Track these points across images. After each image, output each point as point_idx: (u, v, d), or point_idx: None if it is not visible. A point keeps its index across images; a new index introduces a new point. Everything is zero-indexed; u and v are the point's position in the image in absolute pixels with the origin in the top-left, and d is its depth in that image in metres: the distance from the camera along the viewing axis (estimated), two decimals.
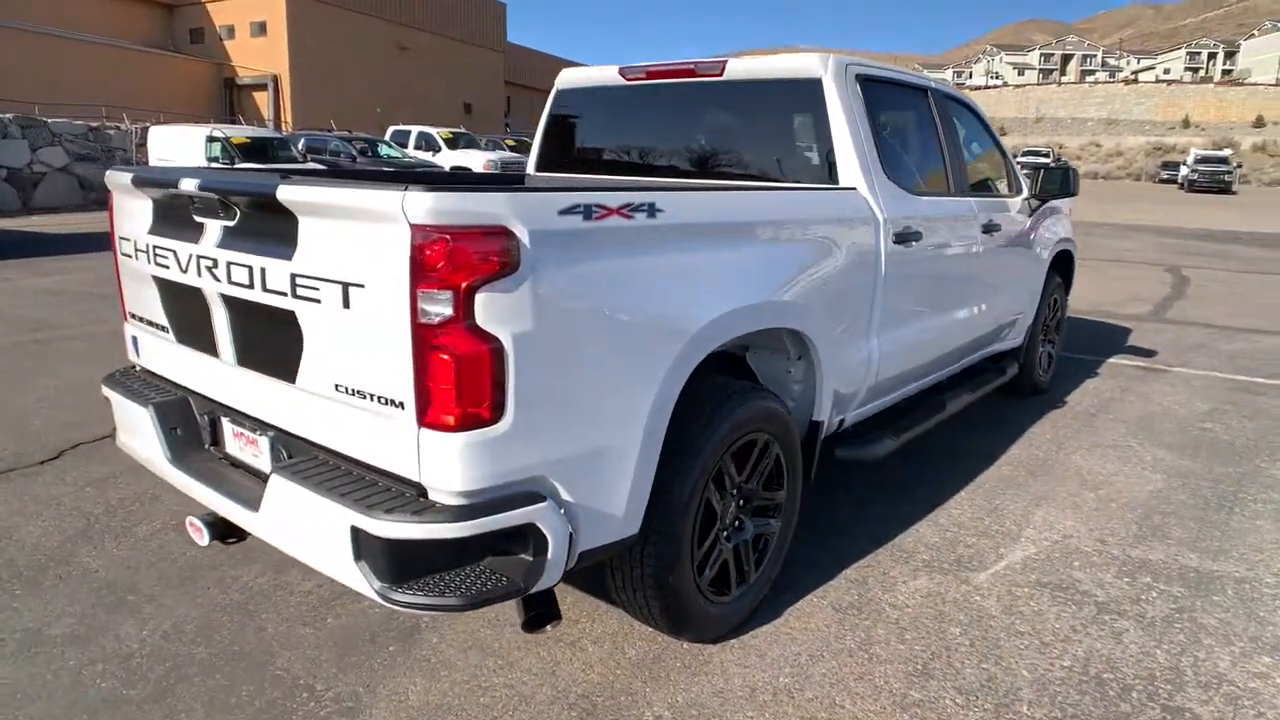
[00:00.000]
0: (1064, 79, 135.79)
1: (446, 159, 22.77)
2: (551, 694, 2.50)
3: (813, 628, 2.87)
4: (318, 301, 2.02)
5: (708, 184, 3.36)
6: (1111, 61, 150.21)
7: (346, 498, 1.98)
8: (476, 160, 22.10)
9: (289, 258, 2.07)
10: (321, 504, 2.03)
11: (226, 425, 2.58)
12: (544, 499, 2.02)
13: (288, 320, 2.13)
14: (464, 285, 1.81)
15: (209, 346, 2.49)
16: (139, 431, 2.73)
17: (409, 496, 1.99)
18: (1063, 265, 5.75)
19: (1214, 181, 40.45)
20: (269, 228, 2.13)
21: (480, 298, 1.84)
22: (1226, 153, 44.62)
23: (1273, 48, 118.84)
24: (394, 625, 2.83)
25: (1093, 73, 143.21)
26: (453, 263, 1.79)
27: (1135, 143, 74.06)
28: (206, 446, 2.67)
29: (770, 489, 2.87)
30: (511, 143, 26.79)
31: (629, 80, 3.86)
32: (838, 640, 2.80)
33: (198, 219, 2.35)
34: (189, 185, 2.30)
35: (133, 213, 2.67)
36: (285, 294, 2.09)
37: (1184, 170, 43.36)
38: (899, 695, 2.53)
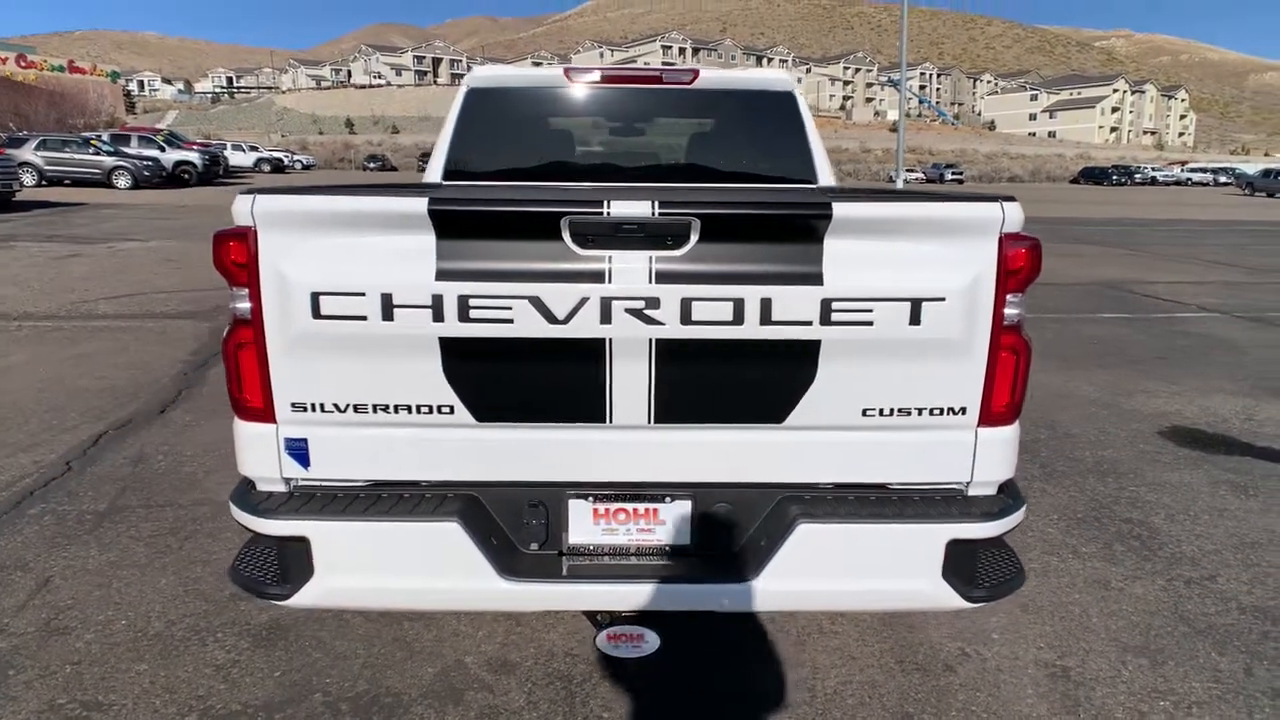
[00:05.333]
0: (439, 81, 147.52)
1: None
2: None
3: None
4: (867, 324, 1.86)
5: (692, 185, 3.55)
6: (475, 67, 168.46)
7: (928, 517, 1.93)
8: None
9: (817, 282, 1.84)
10: (898, 532, 1.92)
11: (579, 510, 2.02)
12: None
13: (798, 353, 1.88)
14: (1027, 286, 1.96)
15: (583, 413, 1.92)
16: (427, 560, 1.91)
17: (959, 499, 2.03)
18: None
19: None
20: (766, 250, 1.85)
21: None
22: None
23: (593, 62, 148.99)
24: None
25: (461, 75, 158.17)
26: (1026, 267, 1.92)
27: None
28: (530, 548, 2.03)
29: None
30: None
31: (577, 83, 3.70)
32: None
33: (586, 251, 1.82)
34: (632, 209, 1.78)
35: (371, 255, 1.82)
36: (809, 323, 1.85)
37: None
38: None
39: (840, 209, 1.80)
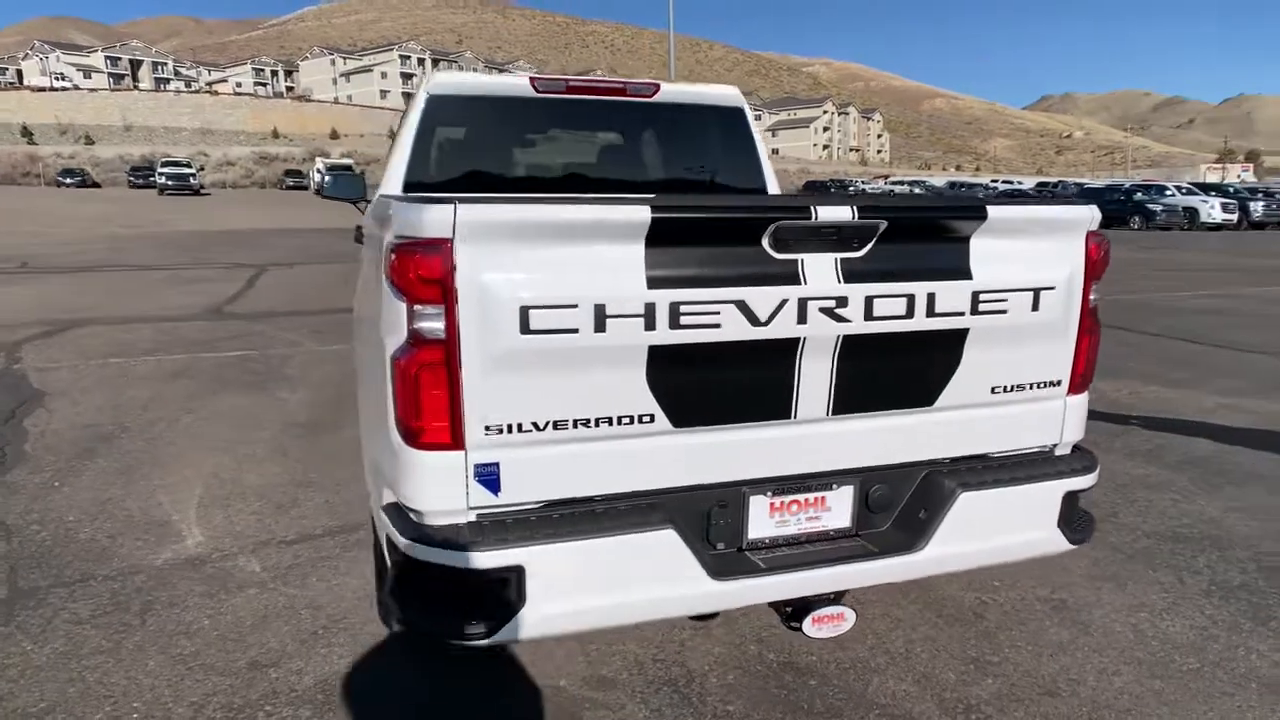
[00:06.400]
0: (141, 85, 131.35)
1: None
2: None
3: None
4: (1003, 312, 2.11)
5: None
6: (184, 71, 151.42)
7: (1053, 473, 2.25)
8: None
9: (968, 276, 2.07)
10: (1032, 491, 2.21)
11: (758, 505, 2.08)
12: None
13: (950, 341, 2.09)
14: (1102, 275, 2.33)
15: (771, 410, 1.99)
16: (645, 571, 1.88)
17: (1052, 457, 2.36)
18: None
19: None
20: (926, 250, 2.04)
21: None
22: (352, 161, 51.98)
23: (324, 70, 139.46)
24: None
25: (168, 80, 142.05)
26: (1102, 259, 2.29)
27: (242, 152, 78.17)
28: (718, 547, 2.05)
29: None
30: None
31: (542, 93, 3.66)
32: None
33: (784, 255, 1.91)
34: (836, 214, 1.87)
35: (581, 265, 1.77)
36: (962, 313, 2.07)
37: (318, 178, 48.86)
38: None
39: (993, 211, 2.06)
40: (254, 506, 3.94)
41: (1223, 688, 2.60)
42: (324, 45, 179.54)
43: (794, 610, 2.17)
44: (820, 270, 1.95)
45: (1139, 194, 30.91)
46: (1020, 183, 61.54)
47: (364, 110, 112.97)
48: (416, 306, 1.75)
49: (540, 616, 1.85)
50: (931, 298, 2.04)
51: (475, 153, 3.75)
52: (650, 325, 1.83)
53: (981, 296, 2.10)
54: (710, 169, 4.02)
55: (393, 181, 3.51)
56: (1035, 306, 2.18)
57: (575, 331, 1.79)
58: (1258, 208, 30.21)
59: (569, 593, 1.86)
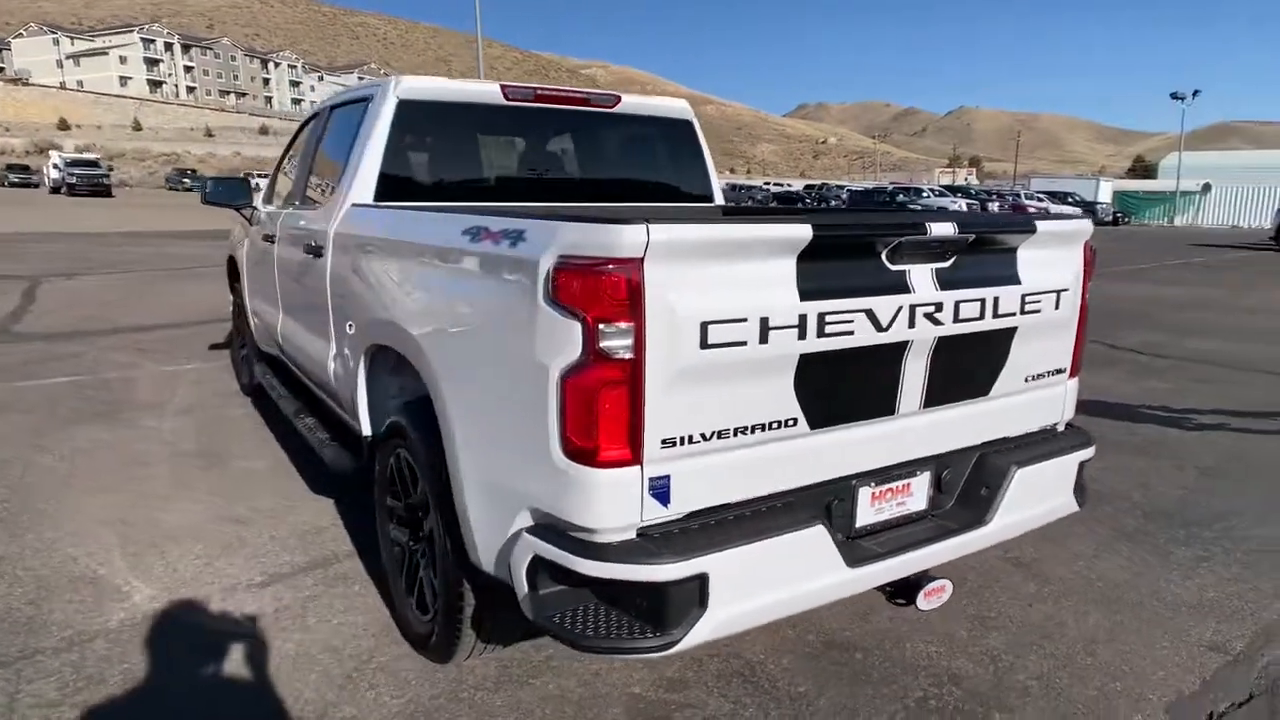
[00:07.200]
0: None
1: None
2: None
3: None
4: (1038, 312, 2.43)
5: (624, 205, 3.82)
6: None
7: (1071, 447, 2.61)
8: None
9: (1018, 282, 2.36)
10: (1060, 464, 2.55)
11: (864, 495, 2.24)
12: None
13: (1004, 339, 2.38)
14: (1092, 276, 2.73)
15: (880, 408, 2.17)
16: (801, 565, 1.98)
17: (1065, 433, 2.74)
18: None
19: (94, 184, 41.38)
20: (991, 260, 2.31)
21: None
22: (97, 156, 45.76)
23: (44, 50, 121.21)
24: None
25: None
26: (1092, 262, 2.69)
27: None
28: (838, 537, 2.18)
29: None
30: None
31: (512, 101, 3.59)
32: None
33: (896, 267, 2.09)
34: (944, 230, 2.06)
35: (747, 280, 1.84)
36: (1014, 314, 2.36)
37: (55, 174, 42.76)
38: None
39: (1039, 226, 2.38)
40: (194, 550, 3.53)
41: (1164, 613, 3.15)
42: (42, 21, 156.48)
43: (897, 588, 2.38)
44: (923, 280, 2.16)
45: (901, 195, 34.75)
46: (789, 185, 66.59)
47: (100, 98, 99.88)
48: (601, 326, 1.75)
49: (717, 621, 1.90)
50: (996, 301, 2.33)
51: (446, 158, 3.62)
52: (802, 335, 1.95)
53: (1027, 299, 2.42)
54: (665, 177, 4.16)
55: (362, 190, 3.31)
56: (1057, 305, 2.54)
57: (744, 344, 1.87)
58: (994, 207, 35.08)
59: (740, 595, 1.93)
